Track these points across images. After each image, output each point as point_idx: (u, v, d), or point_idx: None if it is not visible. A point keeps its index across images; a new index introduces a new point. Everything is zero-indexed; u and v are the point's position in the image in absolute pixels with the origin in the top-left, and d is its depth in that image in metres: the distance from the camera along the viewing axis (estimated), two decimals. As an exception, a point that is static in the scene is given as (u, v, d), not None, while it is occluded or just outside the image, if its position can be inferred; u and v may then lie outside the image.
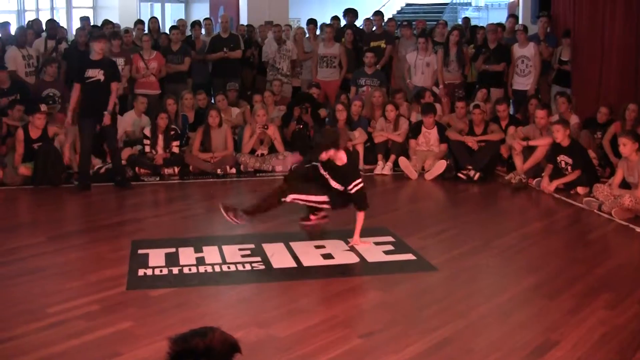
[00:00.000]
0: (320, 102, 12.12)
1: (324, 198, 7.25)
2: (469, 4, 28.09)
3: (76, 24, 18.49)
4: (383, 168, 10.72)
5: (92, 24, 15.07)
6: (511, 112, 11.53)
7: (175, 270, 6.41)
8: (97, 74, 9.47)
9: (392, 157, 10.78)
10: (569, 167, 9.52)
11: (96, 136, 9.77)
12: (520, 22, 13.91)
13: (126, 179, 9.88)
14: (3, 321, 5.30)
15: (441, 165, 10.32)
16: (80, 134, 9.75)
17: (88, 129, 9.60)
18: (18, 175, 9.91)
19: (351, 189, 7.07)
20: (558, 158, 9.61)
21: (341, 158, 7.06)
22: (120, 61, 11.92)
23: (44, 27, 13.43)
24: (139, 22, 14.25)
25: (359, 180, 7.13)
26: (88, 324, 5.23)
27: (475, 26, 14.56)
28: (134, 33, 13.40)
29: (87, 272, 6.39)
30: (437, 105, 11.50)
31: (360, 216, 7.19)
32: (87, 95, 9.55)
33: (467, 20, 15.62)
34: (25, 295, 5.97)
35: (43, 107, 10.30)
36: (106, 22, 14.03)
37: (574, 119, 10.59)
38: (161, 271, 6.40)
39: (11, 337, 5.01)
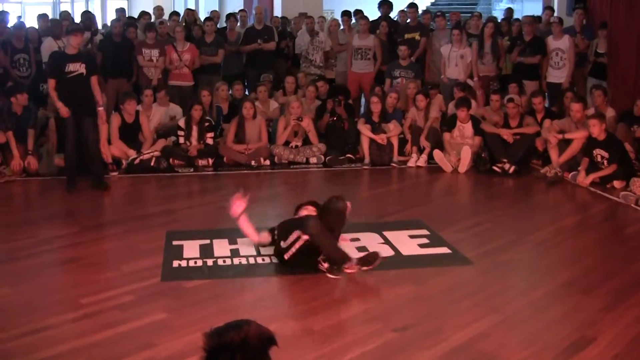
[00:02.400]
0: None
1: None
2: (504, -4, 27.82)
3: (111, 16, 18.68)
4: (417, 160, 10.67)
5: (127, 15, 15.14)
6: (546, 105, 11.43)
7: (210, 262, 6.45)
8: (78, 68, 9.09)
9: (427, 149, 10.75)
10: (605, 161, 9.43)
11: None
12: (555, 14, 13.77)
13: (102, 181, 9.38)
14: (38, 310, 5.36)
15: (467, 152, 10.27)
16: (65, 129, 9.33)
17: (71, 123, 9.19)
18: (53, 166, 9.99)
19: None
20: (594, 152, 9.52)
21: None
22: (154, 53, 12.00)
23: (74, 19, 13.54)
24: (174, 14, 14.28)
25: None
26: (122, 315, 5.28)
27: (511, 19, 14.42)
28: (168, 24, 13.43)
29: (122, 262, 6.44)
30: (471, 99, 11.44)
31: None
32: (69, 90, 9.11)
33: (509, 11, 15.36)
34: (60, 285, 6.07)
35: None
36: (143, 14, 14.10)
37: (610, 112, 10.47)
38: (195, 262, 6.43)
39: (46, 327, 5.07)
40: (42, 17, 13.39)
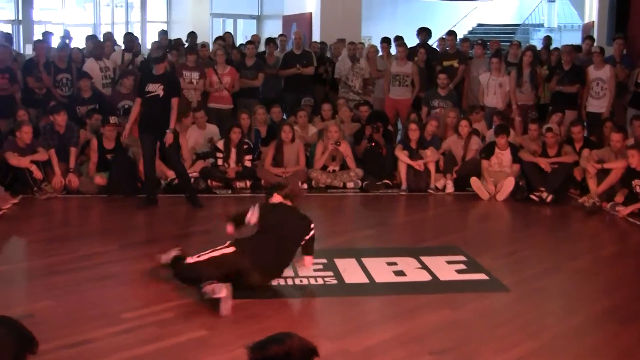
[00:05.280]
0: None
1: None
2: (542, 25, 27.82)
3: (150, 38, 18.92)
4: (445, 185, 10.72)
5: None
6: (585, 135, 11.38)
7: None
8: (156, 89, 9.27)
9: (448, 175, 10.78)
10: (644, 192, 9.39)
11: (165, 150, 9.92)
12: (595, 43, 13.74)
13: (196, 198, 9.62)
14: (79, 324, 5.44)
15: (510, 183, 10.25)
16: (142, 148, 9.60)
17: (147, 143, 9.44)
18: (93, 184, 10.13)
19: None
20: (633, 182, 9.46)
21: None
22: (195, 75, 12.14)
23: (117, 41, 13.76)
24: (219, 38, 14.44)
25: None
26: (162, 331, 5.35)
27: (550, 47, 14.41)
28: (210, 48, 13.59)
29: (161, 281, 6.48)
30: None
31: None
32: (145, 110, 9.43)
33: (547, 39, 15.32)
34: (100, 300, 6.13)
35: (113, 119, 10.42)
36: (179, 42, 14.30)
37: (650, 143, 10.41)
38: (234, 282, 6.47)
39: (87, 340, 5.15)
40: (91, 38, 13.66)
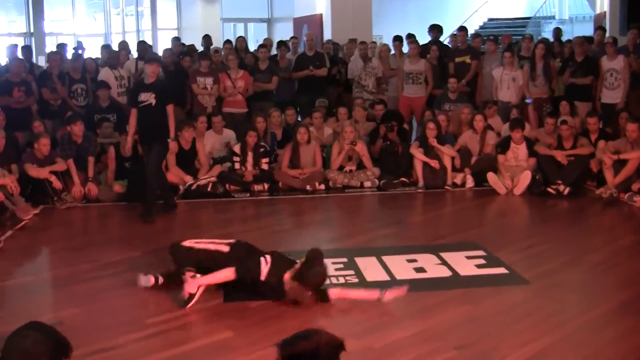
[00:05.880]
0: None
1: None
2: (553, 18, 27.72)
3: (162, 45, 18.99)
4: (465, 181, 10.79)
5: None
6: (600, 126, 11.37)
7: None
8: (148, 98, 9.15)
9: (467, 169, 10.86)
10: (662, 182, 9.39)
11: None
12: (607, 34, 13.70)
13: (150, 211, 9.23)
14: (105, 331, 5.53)
15: (526, 177, 10.27)
16: (145, 160, 9.52)
17: (147, 153, 9.38)
18: (112, 192, 10.23)
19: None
20: (650, 172, 9.48)
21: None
22: (209, 80, 12.21)
23: (129, 49, 13.85)
24: (227, 42, 14.48)
25: None
26: (187, 334, 5.45)
27: (561, 39, 14.37)
28: (222, 53, 13.65)
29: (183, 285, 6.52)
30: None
31: None
32: (140, 120, 9.30)
33: (558, 31, 15.25)
34: (124, 306, 6.22)
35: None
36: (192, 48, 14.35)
37: (665, 132, 10.40)
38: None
39: (113, 346, 5.24)
40: (106, 47, 13.78)
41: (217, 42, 15.56)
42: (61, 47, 14.11)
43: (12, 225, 8.66)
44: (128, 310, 6.08)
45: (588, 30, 17.23)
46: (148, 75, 9.38)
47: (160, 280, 6.47)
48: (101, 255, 7.55)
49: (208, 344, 5.25)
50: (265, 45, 13.76)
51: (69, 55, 13.64)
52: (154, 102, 9.16)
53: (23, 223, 8.77)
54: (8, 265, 7.46)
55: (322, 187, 10.74)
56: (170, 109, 9.26)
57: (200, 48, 14.39)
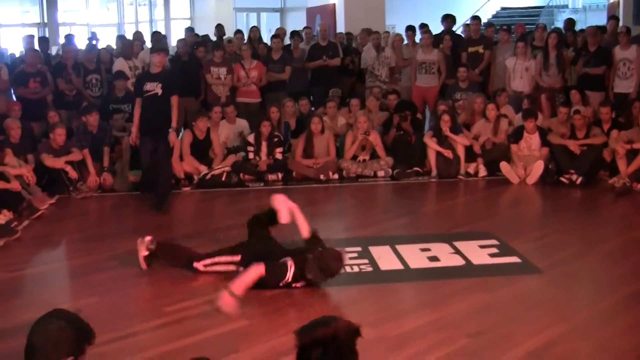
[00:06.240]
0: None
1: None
2: (566, 7, 27.60)
3: (175, 35, 19.04)
4: (477, 170, 10.83)
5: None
6: (613, 116, 11.37)
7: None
8: (154, 88, 9.15)
9: (480, 159, 10.90)
10: (675, 171, 9.39)
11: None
12: (621, 23, 13.66)
13: (162, 204, 9.29)
14: (124, 319, 5.61)
15: (539, 166, 10.30)
16: (140, 150, 9.58)
17: (146, 145, 9.35)
18: (127, 182, 10.33)
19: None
20: (663, 161, 9.49)
21: None
22: (222, 70, 12.23)
23: (144, 39, 13.90)
24: (238, 32, 14.52)
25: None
26: (205, 322, 5.49)
27: (574, 29, 14.32)
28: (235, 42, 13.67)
29: (200, 274, 6.58)
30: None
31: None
32: (144, 110, 9.26)
33: (570, 21, 15.18)
34: (143, 295, 6.33)
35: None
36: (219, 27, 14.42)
37: (679, 122, 10.40)
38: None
39: (132, 334, 5.32)
40: (121, 38, 13.85)
41: (230, 32, 15.56)
42: (69, 37, 14.20)
43: (29, 214, 8.75)
44: (146, 299, 6.19)
45: (601, 19, 17.12)
46: (154, 65, 9.38)
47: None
48: (117, 245, 7.61)
49: (226, 332, 5.31)
50: (278, 35, 13.77)
51: (79, 45, 13.70)
52: (160, 92, 9.18)
53: (39, 212, 8.87)
54: (25, 254, 7.57)
55: (336, 176, 10.79)
56: (175, 99, 9.28)
57: (213, 38, 14.41)
